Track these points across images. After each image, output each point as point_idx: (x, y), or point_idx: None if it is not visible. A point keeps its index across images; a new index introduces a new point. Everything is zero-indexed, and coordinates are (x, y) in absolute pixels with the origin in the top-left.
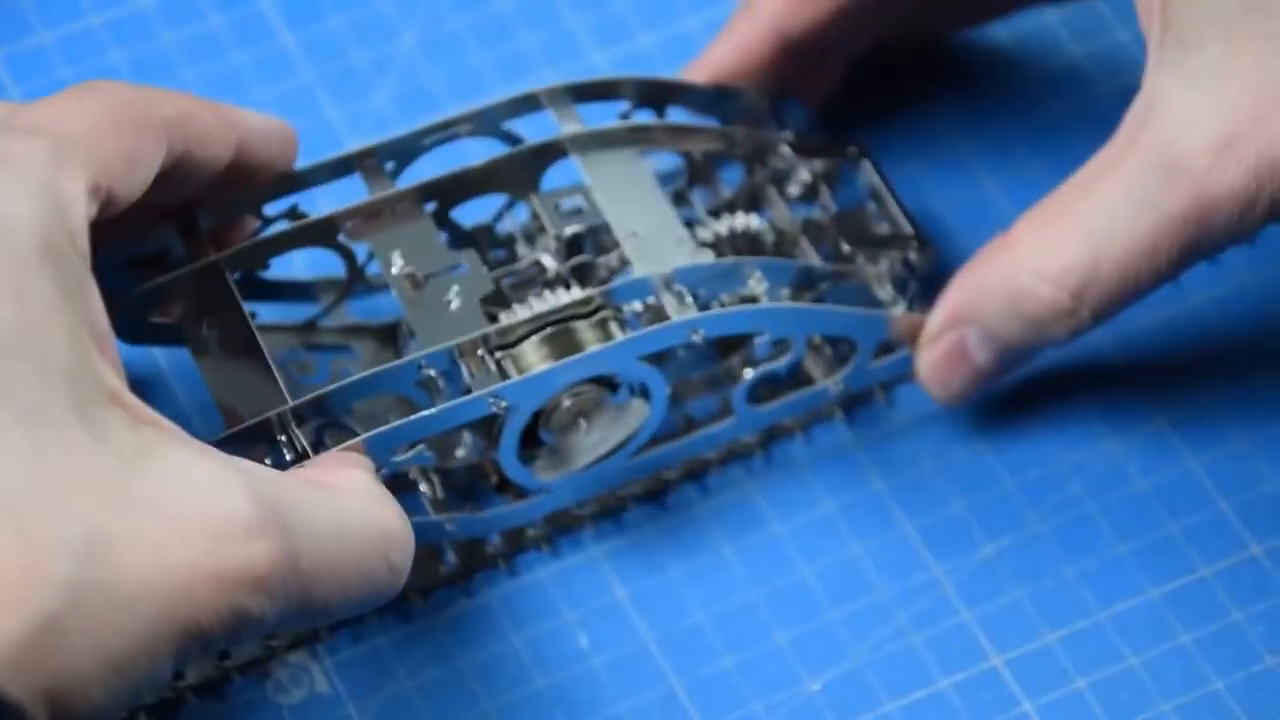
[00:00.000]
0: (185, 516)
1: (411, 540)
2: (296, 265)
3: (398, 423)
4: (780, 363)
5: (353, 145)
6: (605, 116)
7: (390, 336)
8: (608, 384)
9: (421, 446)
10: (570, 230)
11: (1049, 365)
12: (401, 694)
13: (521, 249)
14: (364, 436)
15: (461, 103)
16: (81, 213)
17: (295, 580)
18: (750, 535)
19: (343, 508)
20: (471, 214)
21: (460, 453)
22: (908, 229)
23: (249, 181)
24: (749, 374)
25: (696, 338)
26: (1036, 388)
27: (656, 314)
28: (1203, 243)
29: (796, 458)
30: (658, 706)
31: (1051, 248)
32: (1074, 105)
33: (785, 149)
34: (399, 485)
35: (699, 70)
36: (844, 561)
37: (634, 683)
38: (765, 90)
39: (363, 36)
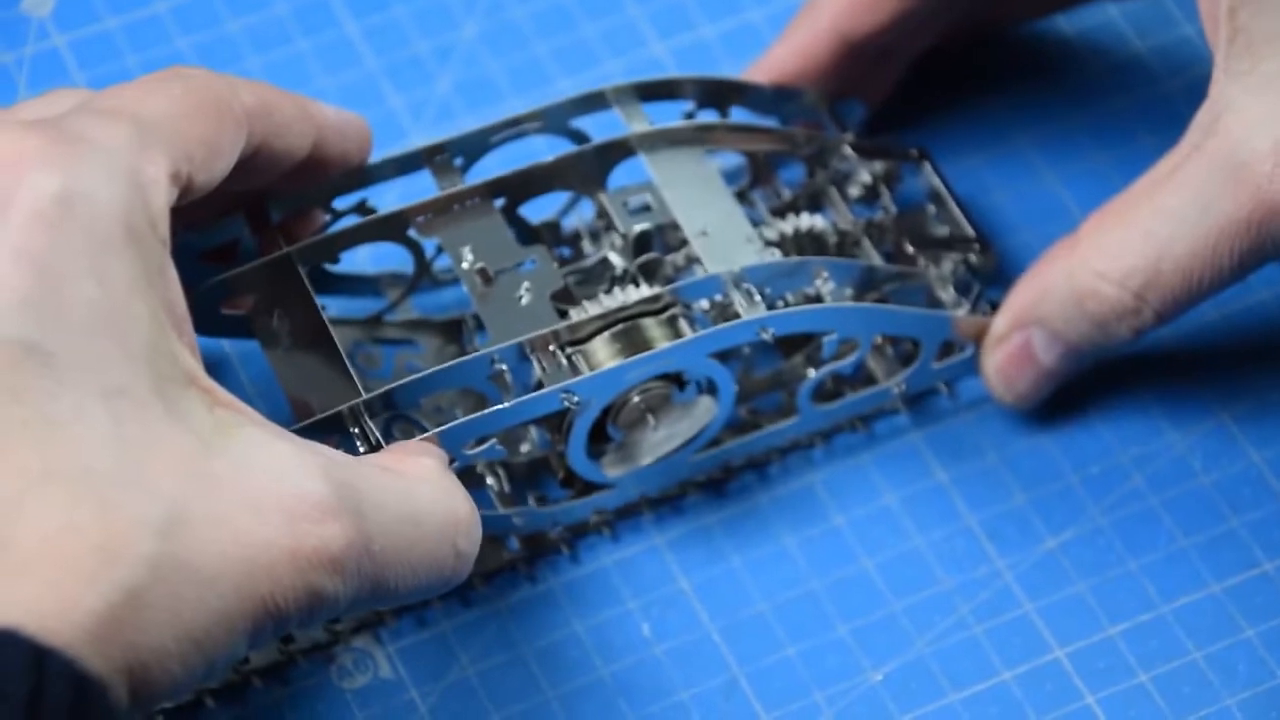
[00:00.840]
0: (262, 496)
1: (479, 529)
2: (360, 259)
3: (473, 415)
4: (846, 362)
5: (415, 135)
6: (668, 115)
7: (454, 332)
8: (676, 381)
9: (493, 440)
10: (639, 227)
11: (1112, 359)
12: (464, 680)
13: (587, 246)
14: (438, 429)
15: (523, 93)
16: (162, 197)
17: (368, 562)
18: (812, 526)
19: (414, 494)
20: (535, 211)
21: (525, 448)
22: (969, 231)
23: (323, 174)
24: (813, 373)
25: (766, 335)
26: (1099, 381)
27: (723, 311)
28: (1265, 246)
29: (857, 449)
30: (720, 695)
31: (1115, 249)
32: (1137, 99)
33: (847, 150)
34: (467, 479)
35: (760, 71)
36: (906, 553)
37: (696, 672)
38: (826, 91)
39: (425, 26)
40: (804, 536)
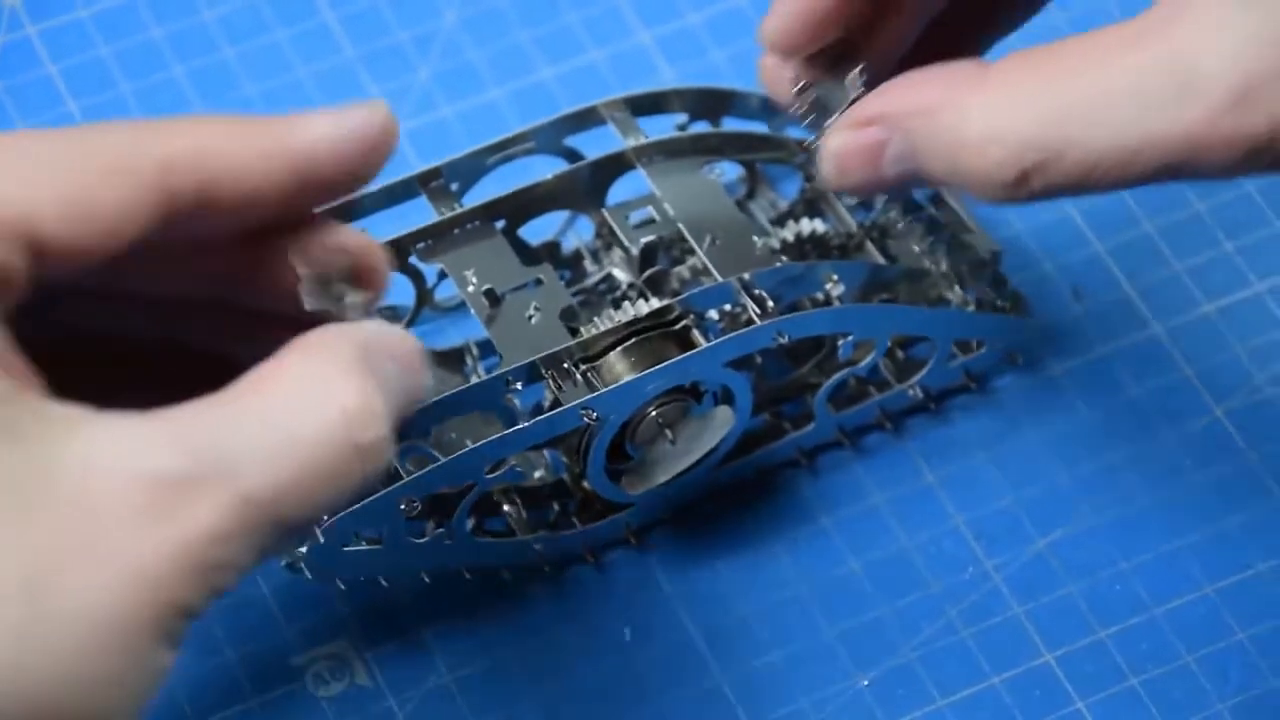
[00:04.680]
0: (115, 497)
1: (380, 408)
2: None
3: (493, 437)
4: (862, 365)
5: (407, 152)
6: (660, 128)
7: (457, 361)
8: (692, 394)
9: (513, 462)
10: (644, 240)
11: (1107, 353)
12: (442, 687)
13: (588, 266)
14: (457, 455)
15: (503, 81)
16: None
17: (256, 513)
18: (799, 528)
19: (284, 412)
20: (532, 234)
21: (539, 474)
22: (972, 226)
23: (326, 199)
24: (830, 379)
25: (781, 340)
26: (1088, 378)
27: (733, 320)
28: (1187, 171)
29: (844, 450)
30: (703, 701)
31: (1024, 109)
32: None
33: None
34: (484, 509)
35: (773, 19)
36: (893, 555)
37: (679, 677)
38: (833, 50)
39: (404, 14)
40: (790, 539)
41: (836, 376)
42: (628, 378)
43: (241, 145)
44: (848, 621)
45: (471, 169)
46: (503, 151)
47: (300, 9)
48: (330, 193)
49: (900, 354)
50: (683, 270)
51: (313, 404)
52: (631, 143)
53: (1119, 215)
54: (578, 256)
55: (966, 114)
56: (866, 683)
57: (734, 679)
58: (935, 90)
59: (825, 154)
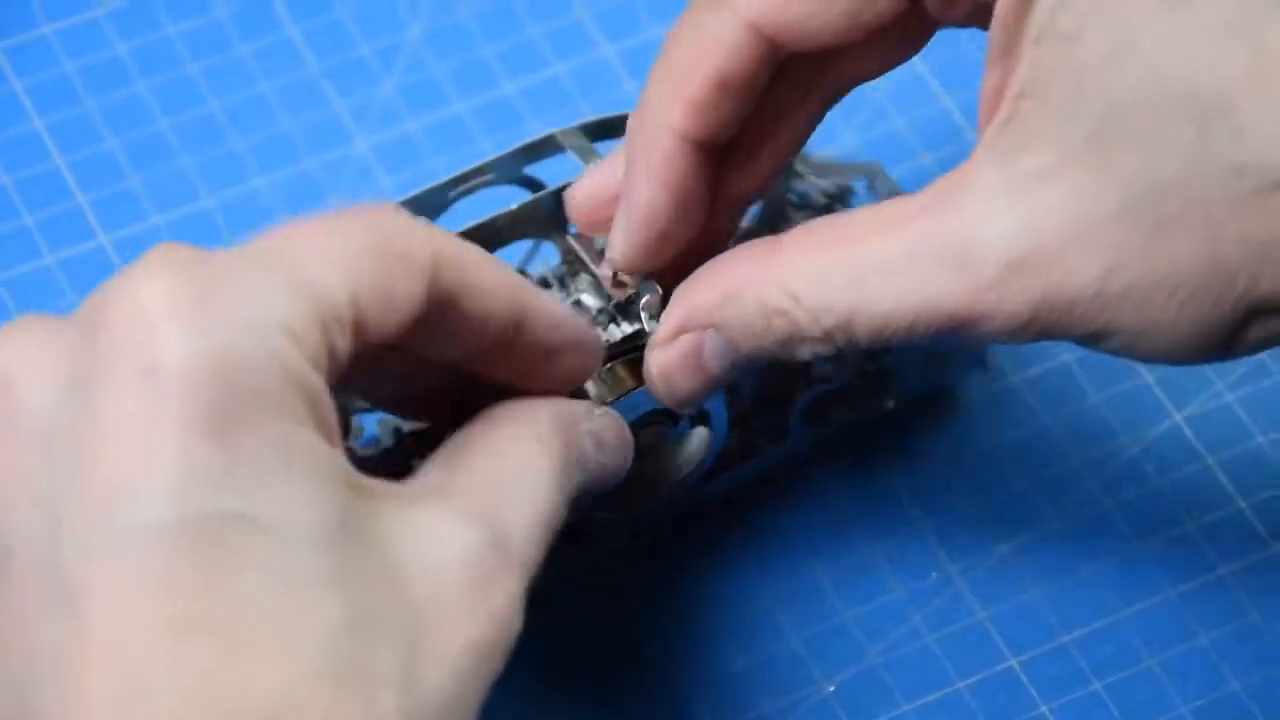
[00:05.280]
0: (454, 587)
1: (575, 465)
2: None
3: None
4: (832, 382)
5: (359, 139)
6: None
7: None
8: (669, 416)
9: None
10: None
11: (1067, 363)
12: None
13: (557, 291)
14: None
15: (469, 96)
16: (315, 344)
17: (529, 576)
18: (762, 535)
19: (517, 470)
20: None
21: None
22: None
23: (539, 367)
24: (804, 395)
25: None
26: (1051, 385)
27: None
28: (962, 336)
29: (814, 465)
30: (667, 709)
31: (816, 277)
32: None
33: (799, 167)
34: None
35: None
36: (858, 561)
37: (641, 686)
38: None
39: (368, 28)
40: (753, 545)
41: (810, 392)
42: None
43: (490, 266)
44: (812, 627)
45: (435, 203)
46: (463, 185)
47: (263, 23)
48: (533, 358)
49: (870, 366)
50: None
51: (541, 462)
52: (590, 168)
53: None
54: (544, 284)
55: (767, 285)
56: (832, 688)
57: (700, 685)
58: (734, 275)
59: (650, 381)
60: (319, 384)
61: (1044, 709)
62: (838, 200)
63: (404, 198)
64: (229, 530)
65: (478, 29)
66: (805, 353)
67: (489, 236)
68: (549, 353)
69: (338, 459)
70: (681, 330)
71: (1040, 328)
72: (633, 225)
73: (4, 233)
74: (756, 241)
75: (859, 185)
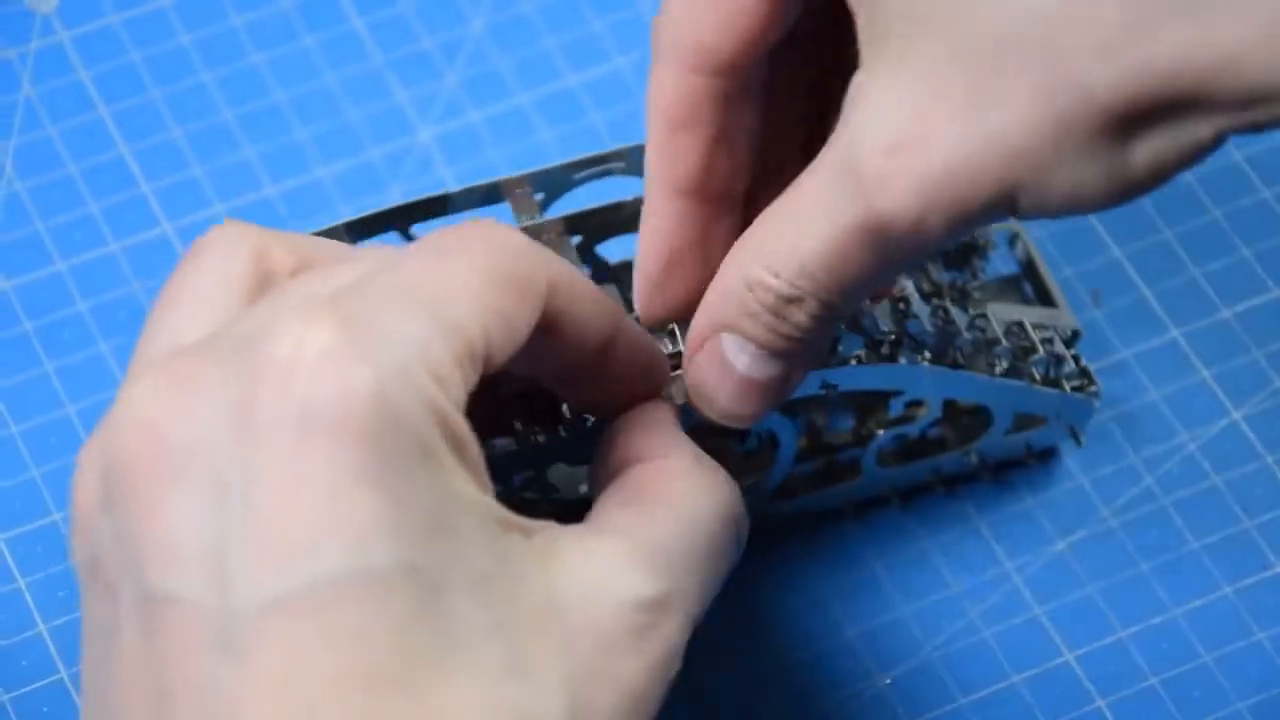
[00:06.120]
0: (615, 629)
1: (743, 501)
2: None
3: (503, 445)
4: (913, 426)
5: (421, 130)
6: None
7: None
8: (735, 434)
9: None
10: None
11: (1123, 364)
12: None
13: None
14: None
15: (530, 88)
16: (460, 387)
17: (694, 622)
18: (820, 530)
19: (699, 520)
20: (613, 252)
21: (583, 488)
22: (1058, 299)
23: (611, 386)
24: (881, 435)
25: (828, 392)
26: (1111, 380)
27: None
28: (892, 252)
29: (893, 507)
30: (723, 702)
31: (766, 240)
32: None
33: None
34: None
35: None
36: (914, 556)
37: (696, 679)
38: None
39: (431, 21)
40: (811, 541)
41: (885, 433)
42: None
43: (587, 288)
44: (869, 621)
45: (559, 182)
46: (593, 168)
47: (329, 15)
48: (608, 377)
49: (965, 419)
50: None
51: (720, 509)
52: None
53: (1140, 221)
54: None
55: (742, 265)
56: (888, 681)
57: (757, 678)
58: (720, 276)
59: (691, 396)
60: (464, 426)
61: (1100, 704)
62: (974, 251)
63: (528, 171)
64: (397, 583)
65: (540, 21)
66: (805, 319)
67: (608, 224)
68: (628, 376)
69: (488, 503)
70: (701, 339)
71: (941, 217)
72: (637, 280)
73: (70, 220)
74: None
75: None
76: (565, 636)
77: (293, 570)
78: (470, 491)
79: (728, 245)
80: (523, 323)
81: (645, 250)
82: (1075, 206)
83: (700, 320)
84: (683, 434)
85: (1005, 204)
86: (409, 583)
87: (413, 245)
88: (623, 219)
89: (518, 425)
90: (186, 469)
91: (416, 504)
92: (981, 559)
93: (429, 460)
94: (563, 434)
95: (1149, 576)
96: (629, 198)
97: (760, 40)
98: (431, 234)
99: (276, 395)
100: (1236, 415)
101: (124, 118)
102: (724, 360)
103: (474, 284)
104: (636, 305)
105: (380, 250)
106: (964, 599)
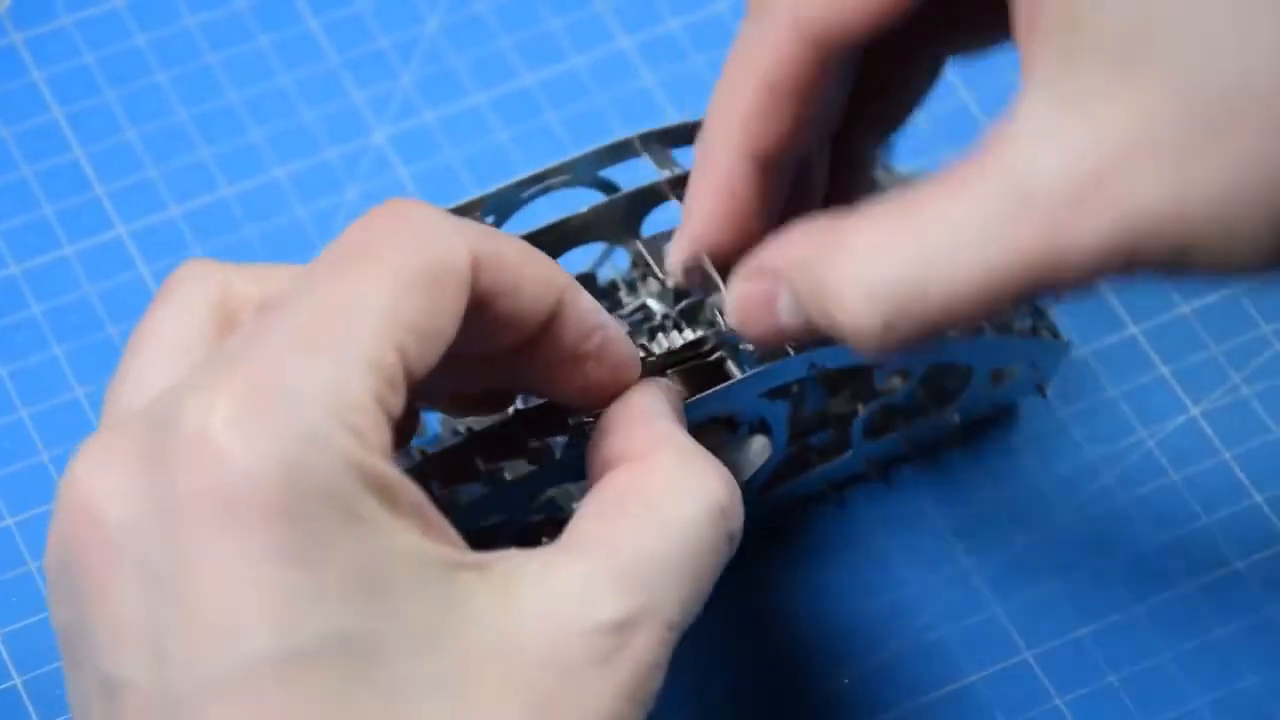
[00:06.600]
0: (580, 654)
1: (738, 493)
2: None
3: (532, 469)
4: (896, 394)
5: (377, 131)
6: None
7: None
8: (726, 424)
9: (552, 494)
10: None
11: (1081, 361)
12: None
13: (624, 296)
14: (503, 487)
15: (487, 87)
16: (380, 425)
17: (674, 636)
18: (776, 530)
19: (674, 523)
20: (569, 265)
21: (575, 505)
22: None
23: (562, 372)
24: (867, 407)
25: (816, 371)
26: (1068, 378)
27: (769, 350)
28: (1046, 289)
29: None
30: (687, 702)
31: (881, 254)
32: None
33: (882, 180)
34: (524, 543)
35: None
36: (871, 555)
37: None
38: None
39: (386, 20)
40: (770, 541)
41: (871, 405)
42: None
43: (527, 264)
44: (828, 621)
45: (508, 202)
46: (539, 184)
47: (284, 15)
48: (557, 361)
49: (945, 382)
50: (719, 300)
51: (702, 506)
52: (666, 174)
53: None
54: (613, 287)
55: (832, 266)
56: (847, 681)
57: (711, 680)
58: (802, 244)
59: (728, 304)
60: (390, 472)
61: (1058, 702)
62: None
63: (478, 195)
64: (326, 658)
65: (496, 21)
66: (859, 343)
67: (561, 238)
68: (575, 359)
69: (429, 549)
70: (759, 271)
71: (1123, 259)
72: (683, 240)
73: (24, 223)
74: (830, 217)
75: None
76: (522, 673)
77: (222, 654)
78: (405, 541)
79: (768, 220)
80: (446, 319)
81: (701, 206)
82: (1253, 271)
83: (768, 264)
84: (671, 424)
85: (1185, 255)
86: (339, 654)
87: (321, 257)
88: (577, 229)
89: (480, 466)
90: (122, 551)
91: (340, 570)
92: (939, 557)
93: (350, 520)
94: (530, 468)
95: (1108, 573)
96: (582, 208)
97: (890, 18)
98: (343, 234)
99: (189, 477)
100: (1195, 411)
101: (78, 119)
102: (774, 306)
103: (383, 298)
104: (667, 263)
105: (295, 277)
106: (922, 597)
